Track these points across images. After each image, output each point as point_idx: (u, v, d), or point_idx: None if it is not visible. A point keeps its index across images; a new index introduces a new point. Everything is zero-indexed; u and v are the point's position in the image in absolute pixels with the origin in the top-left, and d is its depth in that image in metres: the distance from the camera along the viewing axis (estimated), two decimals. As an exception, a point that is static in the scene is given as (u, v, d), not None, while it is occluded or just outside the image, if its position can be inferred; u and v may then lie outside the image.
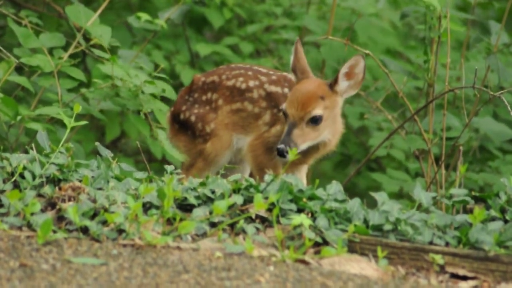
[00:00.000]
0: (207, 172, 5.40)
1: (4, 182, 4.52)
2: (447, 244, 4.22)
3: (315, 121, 5.07)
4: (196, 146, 5.45)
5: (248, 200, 4.37)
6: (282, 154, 5.00)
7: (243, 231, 4.24)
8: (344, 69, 5.09)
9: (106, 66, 6.08)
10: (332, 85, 5.11)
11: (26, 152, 4.75)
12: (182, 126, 5.51)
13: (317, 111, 5.06)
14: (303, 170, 5.44)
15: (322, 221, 4.24)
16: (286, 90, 5.31)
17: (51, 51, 6.25)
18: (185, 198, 4.38)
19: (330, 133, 5.18)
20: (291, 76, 5.29)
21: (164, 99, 6.28)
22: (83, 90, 6.22)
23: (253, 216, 4.30)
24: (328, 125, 5.14)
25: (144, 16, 6.83)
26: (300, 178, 5.32)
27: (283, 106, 5.11)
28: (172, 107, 5.64)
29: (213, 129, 5.40)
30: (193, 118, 5.46)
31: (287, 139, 5.01)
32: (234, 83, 5.39)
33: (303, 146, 5.07)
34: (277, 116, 5.30)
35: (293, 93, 5.10)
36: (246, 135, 5.35)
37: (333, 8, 7.49)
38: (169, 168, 4.78)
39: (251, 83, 5.36)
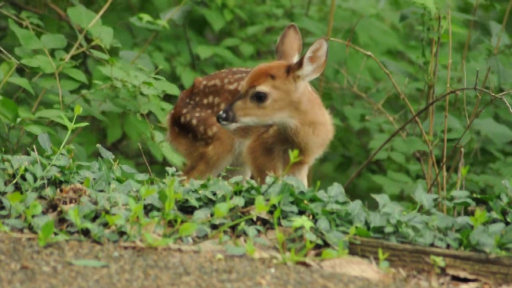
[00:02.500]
0: (208, 174, 5.40)
1: (5, 184, 4.52)
2: (448, 246, 4.22)
3: (259, 97, 5.05)
4: (197, 149, 5.44)
5: (249, 202, 4.37)
6: (217, 119, 5.04)
7: (244, 233, 4.24)
8: (308, 53, 5.07)
9: (106, 67, 6.08)
10: (294, 69, 5.09)
11: (28, 154, 4.75)
12: (182, 129, 5.51)
13: (262, 88, 5.06)
14: (304, 171, 5.43)
15: (323, 223, 4.24)
16: None
17: (52, 52, 6.25)
18: (186, 200, 4.38)
19: (294, 118, 5.13)
20: None
21: (169, 98, 6.28)
22: (84, 91, 6.22)
23: (254, 218, 4.30)
24: (280, 107, 5.10)
25: (146, 16, 6.83)
26: (300, 179, 5.32)
27: None
28: (172, 109, 5.63)
29: (215, 133, 5.40)
30: (194, 121, 5.45)
31: (228, 108, 5.05)
32: (236, 87, 5.40)
33: (244, 120, 5.06)
34: None
35: (252, 69, 5.14)
36: (247, 138, 5.35)
37: (332, 9, 7.49)
38: (170, 170, 4.78)
39: None
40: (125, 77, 6.05)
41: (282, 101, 5.08)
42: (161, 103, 6.17)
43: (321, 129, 5.21)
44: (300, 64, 5.06)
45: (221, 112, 5.06)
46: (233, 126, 5.06)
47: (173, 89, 6.13)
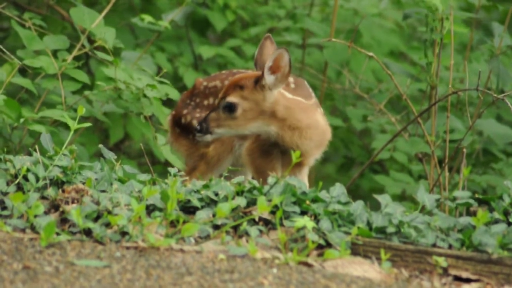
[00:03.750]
0: (210, 175, 5.40)
1: (7, 184, 4.52)
2: (450, 246, 4.22)
3: (230, 108, 5.08)
4: (198, 150, 5.45)
5: (252, 203, 4.37)
6: (193, 133, 5.12)
7: (246, 234, 4.24)
8: (268, 63, 5.09)
9: (109, 69, 6.08)
10: (260, 79, 5.11)
11: (30, 154, 4.75)
12: (183, 130, 5.51)
13: (231, 98, 5.08)
14: (304, 172, 5.43)
15: (325, 224, 4.24)
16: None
17: (55, 53, 6.25)
18: (189, 201, 4.38)
19: (273, 126, 5.14)
20: (290, 78, 5.28)
21: (169, 101, 6.29)
22: (87, 92, 6.22)
23: (256, 219, 4.30)
24: (253, 117, 5.11)
25: (147, 18, 6.83)
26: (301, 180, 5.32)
27: None
28: (173, 110, 5.64)
29: (216, 134, 5.40)
30: (195, 122, 5.46)
31: (202, 120, 5.12)
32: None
33: (218, 131, 5.10)
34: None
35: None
36: (247, 140, 5.35)
37: (335, 10, 7.49)
38: (172, 170, 4.78)
39: None
40: (128, 79, 6.05)
41: (252, 111, 5.11)
42: (161, 106, 6.18)
43: (311, 132, 5.20)
44: (262, 75, 5.09)
45: (197, 125, 5.10)
46: (209, 137, 5.13)
47: (174, 93, 6.14)
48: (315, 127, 5.21)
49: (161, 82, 6.18)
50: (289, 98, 5.19)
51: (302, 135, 5.18)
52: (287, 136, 5.16)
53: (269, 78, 5.08)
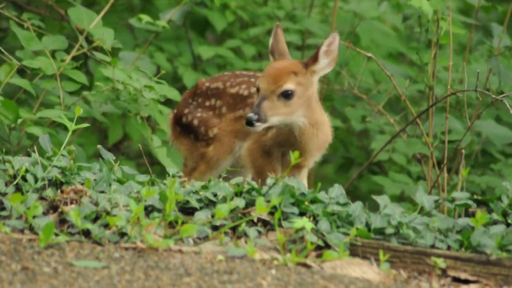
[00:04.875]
0: (209, 175, 5.40)
1: (6, 185, 4.52)
2: (449, 247, 4.22)
3: (287, 95, 5.06)
4: (198, 149, 5.45)
5: (250, 204, 4.37)
6: (250, 123, 5.00)
7: (245, 235, 4.24)
8: (324, 47, 5.11)
9: (107, 69, 6.08)
10: (310, 64, 5.12)
11: (28, 155, 4.75)
12: (184, 129, 5.51)
13: (289, 85, 5.07)
14: (303, 174, 5.44)
15: (324, 225, 4.23)
16: None
17: (53, 53, 6.25)
18: (187, 201, 4.38)
19: (305, 117, 5.15)
20: None
21: (169, 101, 6.28)
22: (85, 93, 6.22)
23: (255, 220, 4.29)
24: (301, 104, 5.11)
25: (146, 18, 6.83)
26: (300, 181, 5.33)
27: (257, 83, 5.13)
28: (174, 109, 5.64)
29: (216, 134, 5.40)
30: (195, 122, 5.46)
31: (257, 109, 5.02)
32: (238, 90, 5.41)
33: (273, 120, 5.05)
34: None
35: (266, 69, 5.13)
36: (246, 140, 5.35)
37: (335, 11, 7.49)
38: (171, 171, 4.78)
39: (253, 90, 5.37)
40: (127, 79, 6.05)
41: (303, 97, 5.12)
42: (160, 106, 6.17)
43: (322, 129, 5.22)
44: (315, 58, 5.10)
45: (251, 115, 5.01)
46: (262, 127, 5.06)
47: (173, 94, 6.13)
48: (325, 124, 5.25)
49: (159, 83, 6.17)
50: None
51: (317, 132, 5.20)
52: (307, 131, 5.17)
53: (323, 62, 5.10)
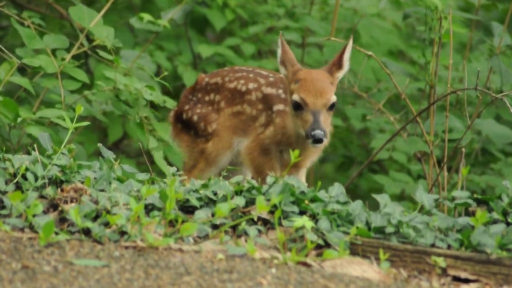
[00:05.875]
0: (208, 172, 5.41)
1: (6, 183, 4.52)
2: (449, 246, 4.22)
3: (332, 107, 5.11)
4: (198, 145, 5.46)
5: (250, 202, 4.37)
6: (320, 140, 5.00)
7: (245, 233, 4.24)
8: (347, 54, 5.15)
9: (109, 71, 6.07)
10: (334, 71, 5.16)
11: (28, 153, 4.75)
12: (185, 125, 5.53)
13: (334, 97, 5.14)
14: (302, 173, 5.45)
15: (324, 223, 4.23)
16: (280, 91, 5.32)
17: (54, 52, 6.25)
18: (187, 200, 4.38)
19: None
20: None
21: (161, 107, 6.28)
22: (86, 92, 6.21)
23: (255, 218, 4.29)
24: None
25: (147, 16, 6.83)
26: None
27: (295, 96, 5.10)
28: (175, 106, 5.66)
29: (214, 130, 5.41)
30: (195, 117, 5.47)
31: (321, 126, 5.02)
32: (236, 85, 5.41)
33: (327, 131, 5.10)
34: (271, 118, 5.31)
35: (308, 82, 5.10)
36: (245, 137, 5.36)
37: (336, 9, 7.49)
38: (171, 169, 4.78)
39: (251, 86, 5.38)
40: (127, 80, 6.05)
41: None
42: (164, 97, 6.15)
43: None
44: (340, 65, 5.14)
45: (318, 131, 4.99)
46: (326, 141, 5.10)
47: (171, 103, 6.11)
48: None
49: (160, 83, 6.17)
50: None
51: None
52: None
53: (346, 68, 5.15)
